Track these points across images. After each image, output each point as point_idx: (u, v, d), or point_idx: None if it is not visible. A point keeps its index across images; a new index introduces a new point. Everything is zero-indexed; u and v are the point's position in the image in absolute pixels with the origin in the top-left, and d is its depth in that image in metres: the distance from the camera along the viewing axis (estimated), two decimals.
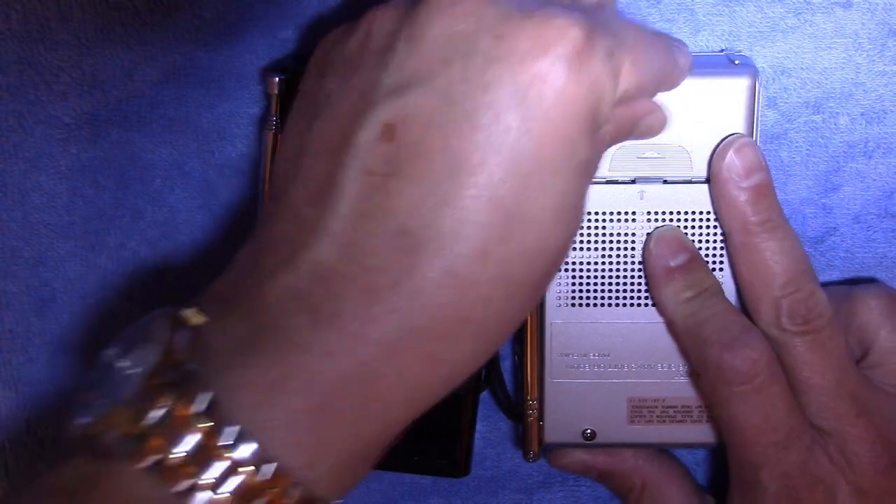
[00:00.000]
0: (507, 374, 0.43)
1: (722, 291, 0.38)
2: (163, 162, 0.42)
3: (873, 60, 0.41)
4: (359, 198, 0.29)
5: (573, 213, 0.30)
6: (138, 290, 0.43)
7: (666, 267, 0.38)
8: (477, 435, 0.44)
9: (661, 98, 0.34)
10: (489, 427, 0.45)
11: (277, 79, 0.39)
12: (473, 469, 0.44)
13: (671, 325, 0.39)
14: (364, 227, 0.29)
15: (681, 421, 0.40)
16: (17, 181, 0.42)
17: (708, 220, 0.38)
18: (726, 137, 0.37)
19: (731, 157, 0.37)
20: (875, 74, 0.41)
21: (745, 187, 0.37)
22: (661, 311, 0.39)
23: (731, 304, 0.38)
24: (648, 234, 0.38)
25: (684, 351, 0.39)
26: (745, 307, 0.38)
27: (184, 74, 0.41)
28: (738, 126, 0.37)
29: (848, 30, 0.40)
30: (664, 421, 0.40)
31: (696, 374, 0.39)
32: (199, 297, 0.31)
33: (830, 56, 0.41)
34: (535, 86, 0.29)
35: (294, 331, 0.29)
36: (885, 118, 0.41)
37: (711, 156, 0.38)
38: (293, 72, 0.39)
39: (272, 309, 0.29)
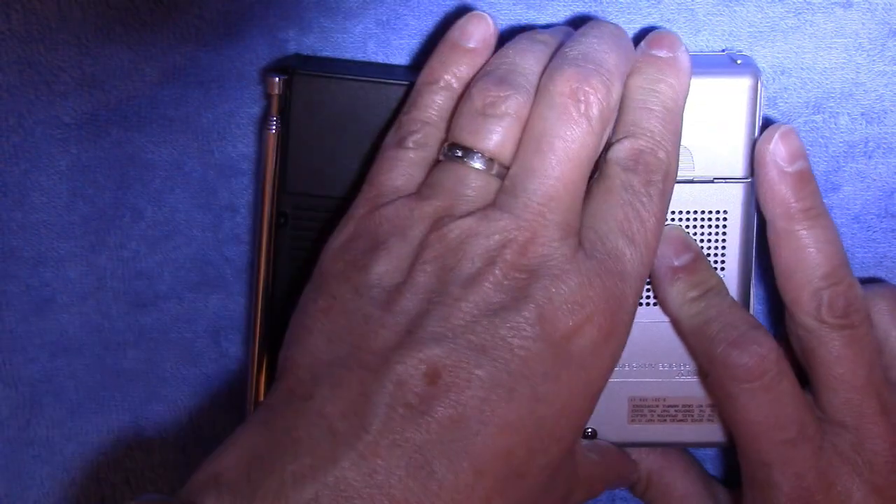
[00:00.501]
0: None
1: (727, 290, 0.38)
2: (163, 162, 0.42)
3: (873, 60, 0.41)
4: (390, 426, 0.31)
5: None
6: (138, 290, 0.43)
7: (670, 266, 0.38)
8: None
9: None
10: None
11: (277, 79, 0.39)
12: None
13: (676, 325, 0.39)
14: (391, 455, 0.30)
15: (682, 420, 0.40)
16: (17, 181, 0.42)
17: (711, 219, 0.38)
18: (766, 129, 0.37)
19: (776, 142, 0.37)
20: (875, 74, 0.41)
21: (790, 172, 0.37)
22: (666, 311, 0.39)
23: (736, 301, 0.38)
24: None
25: (691, 350, 0.39)
26: (784, 296, 0.38)
27: (184, 74, 0.41)
28: (741, 126, 0.37)
29: (848, 30, 0.40)
30: (665, 420, 0.40)
31: (704, 374, 0.39)
32: (196, 478, 0.31)
33: (830, 56, 0.41)
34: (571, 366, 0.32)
35: None
36: (885, 118, 0.41)
37: (714, 155, 0.38)
38: (293, 72, 0.39)
39: None
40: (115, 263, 0.43)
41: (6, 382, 0.44)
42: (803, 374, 0.39)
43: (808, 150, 0.41)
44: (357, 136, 0.39)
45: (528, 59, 0.35)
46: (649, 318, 0.39)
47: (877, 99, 0.41)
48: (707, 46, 0.41)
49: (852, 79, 0.41)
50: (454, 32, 0.37)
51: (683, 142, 0.37)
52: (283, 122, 0.39)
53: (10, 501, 0.45)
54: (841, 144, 0.41)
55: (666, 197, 0.35)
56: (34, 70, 0.40)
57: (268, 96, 0.39)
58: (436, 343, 0.31)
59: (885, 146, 0.41)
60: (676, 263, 0.38)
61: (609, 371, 0.34)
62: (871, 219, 0.42)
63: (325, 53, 0.41)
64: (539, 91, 0.34)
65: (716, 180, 0.38)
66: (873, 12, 0.40)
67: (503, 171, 0.34)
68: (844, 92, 0.41)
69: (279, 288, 0.40)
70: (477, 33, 0.37)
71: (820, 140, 0.41)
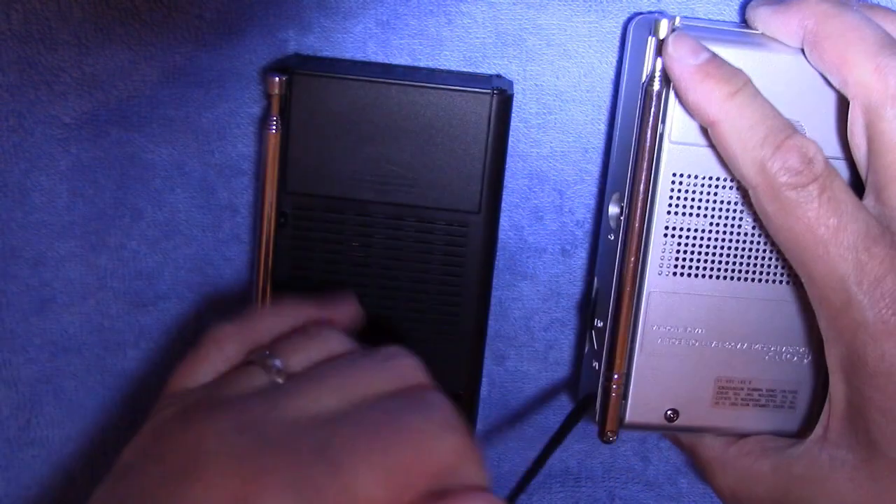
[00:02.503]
0: (570, 351, 0.43)
1: (754, 85, 0.36)
2: (163, 162, 0.42)
3: None
4: None
5: None
6: (138, 290, 0.43)
7: (694, 66, 0.36)
8: (477, 435, 0.44)
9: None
10: (489, 427, 0.45)
11: (277, 79, 0.39)
12: None
13: (716, 128, 0.35)
14: None
15: (764, 405, 0.38)
16: (17, 181, 0.42)
17: None
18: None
19: (672, 46, 0.36)
20: None
21: (700, 64, 0.36)
22: (700, 114, 0.36)
23: (766, 99, 0.36)
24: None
25: (735, 160, 0.35)
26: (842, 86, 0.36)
27: (184, 74, 0.41)
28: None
29: None
30: (748, 404, 0.38)
31: (752, 186, 0.35)
32: None
33: None
34: None
35: None
36: None
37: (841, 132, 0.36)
38: (293, 72, 0.39)
39: None
40: (115, 263, 0.43)
41: (6, 382, 0.44)
42: None
43: None
44: (357, 136, 0.39)
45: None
46: (751, 295, 0.37)
47: None
48: None
49: None
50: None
51: (798, 116, 0.36)
52: (283, 122, 0.39)
53: (10, 501, 0.45)
54: None
55: None
56: (34, 70, 0.40)
57: (268, 96, 0.39)
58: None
59: None
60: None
61: None
62: None
63: (325, 53, 0.41)
64: None
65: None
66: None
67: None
68: None
69: (279, 288, 0.40)
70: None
71: None
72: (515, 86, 0.41)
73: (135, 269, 0.43)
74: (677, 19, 0.36)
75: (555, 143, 0.42)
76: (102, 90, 0.41)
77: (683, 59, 0.35)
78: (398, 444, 0.29)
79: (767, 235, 0.37)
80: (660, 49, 0.36)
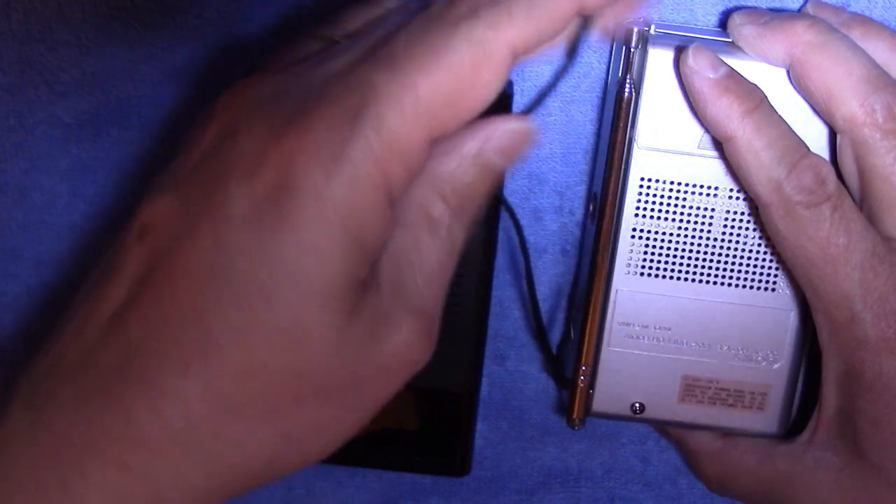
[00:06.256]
0: (554, 340, 0.44)
1: (770, 102, 0.36)
2: (163, 162, 0.42)
3: None
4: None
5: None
6: None
7: (714, 80, 0.35)
8: (477, 435, 0.44)
9: None
10: (489, 427, 0.45)
11: None
12: (473, 469, 0.44)
13: (730, 143, 0.36)
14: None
15: (732, 405, 0.39)
16: (17, 181, 0.42)
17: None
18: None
19: (692, 57, 0.35)
20: None
21: (717, 79, 0.36)
22: (718, 129, 0.36)
23: (782, 118, 0.36)
24: (728, 211, 0.38)
25: (747, 175, 0.36)
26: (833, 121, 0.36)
27: (184, 74, 0.41)
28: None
29: None
30: (714, 403, 0.39)
31: (764, 205, 0.36)
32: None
33: None
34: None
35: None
36: None
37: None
38: None
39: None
40: None
41: (6, 382, 0.43)
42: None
43: None
44: None
45: None
46: (715, 298, 0.38)
47: None
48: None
49: None
50: None
51: None
52: None
53: None
54: None
55: None
56: (34, 70, 0.40)
57: None
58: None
59: None
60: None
61: None
62: None
63: None
64: None
65: None
66: (872, 12, 0.40)
67: None
68: None
69: None
70: None
71: None
72: (515, 86, 0.41)
73: None
74: (652, 27, 0.37)
75: (554, 144, 0.42)
76: (102, 90, 0.41)
77: (703, 73, 0.35)
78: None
79: (772, 246, 0.38)
80: (629, 57, 0.36)
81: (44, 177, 0.42)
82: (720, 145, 0.36)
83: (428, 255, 0.31)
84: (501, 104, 0.39)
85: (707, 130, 0.36)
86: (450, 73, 0.29)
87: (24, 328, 0.43)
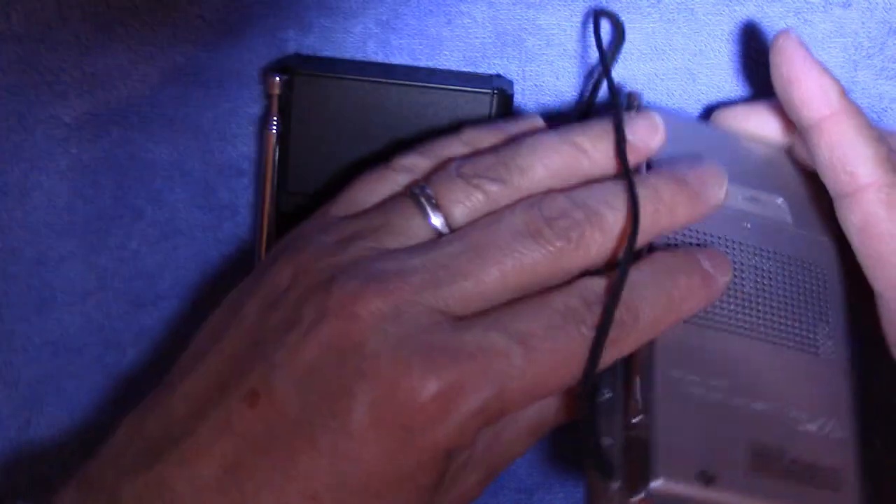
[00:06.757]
0: None
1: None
2: (163, 162, 0.42)
3: (873, 59, 0.41)
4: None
5: None
6: (138, 290, 0.43)
7: (809, 59, 0.36)
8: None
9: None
10: None
11: (277, 79, 0.39)
12: None
13: (832, 120, 0.35)
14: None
15: (807, 483, 0.32)
16: (18, 181, 0.42)
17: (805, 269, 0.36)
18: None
19: (786, 38, 0.36)
20: (875, 73, 0.41)
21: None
22: (816, 105, 0.35)
23: None
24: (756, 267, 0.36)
25: (842, 150, 0.35)
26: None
27: (184, 74, 0.41)
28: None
29: (847, 29, 0.40)
30: (790, 478, 0.32)
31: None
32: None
33: (830, 55, 0.41)
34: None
35: None
36: (884, 117, 0.41)
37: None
38: (293, 72, 0.39)
39: None
40: (116, 263, 0.43)
41: (6, 382, 0.44)
42: None
43: None
44: (357, 136, 0.39)
45: (535, 163, 0.35)
46: (772, 357, 0.34)
47: (877, 98, 0.41)
48: (707, 47, 0.41)
49: (851, 77, 0.41)
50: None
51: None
52: (284, 122, 0.39)
53: (10, 501, 0.45)
54: None
55: None
56: (34, 70, 0.40)
57: (268, 96, 0.39)
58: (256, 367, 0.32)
59: None
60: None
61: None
62: None
63: (325, 53, 0.41)
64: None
65: None
66: (872, 11, 0.40)
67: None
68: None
69: None
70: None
71: None
72: (515, 86, 0.41)
73: (135, 269, 0.43)
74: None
75: None
76: (102, 90, 0.41)
77: (797, 51, 0.36)
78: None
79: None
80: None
81: (44, 177, 0.42)
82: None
83: None
84: (503, 105, 0.39)
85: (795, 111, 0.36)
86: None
87: (23, 328, 0.43)
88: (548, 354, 0.31)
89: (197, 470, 0.31)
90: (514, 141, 0.36)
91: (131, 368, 0.44)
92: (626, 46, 0.40)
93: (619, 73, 0.41)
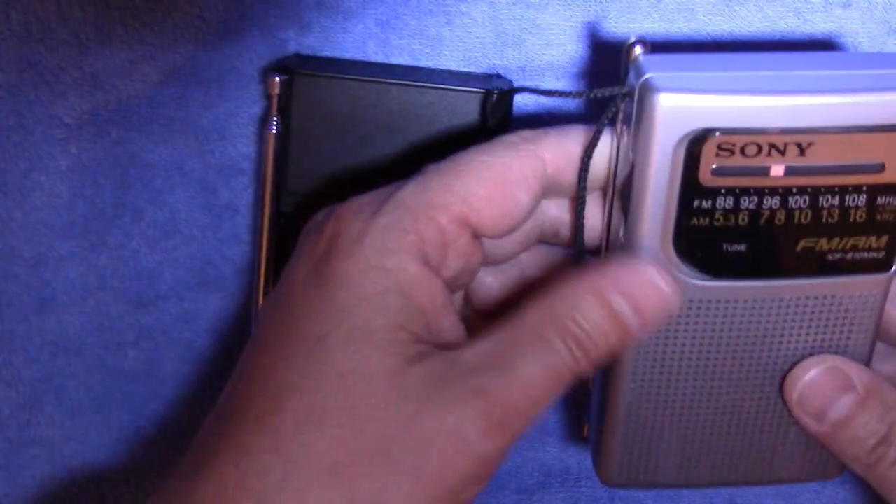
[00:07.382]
0: None
1: None
2: (163, 162, 0.42)
3: None
4: None
5: None
6: (138, 290, 0.43)
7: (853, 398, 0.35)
8: None
9: None
10: None
11: (277, 79, 0.39)
12: None
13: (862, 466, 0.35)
14: None
15: None
16: (18, 181, 0.42)
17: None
18: None
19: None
20: None
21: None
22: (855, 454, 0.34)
23: None
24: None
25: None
26: None
27: (184, 74, 0.41)
28: None
29: (847, 29, 0.40)
30: None
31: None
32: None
33: None
34: None
35: None
36: None
37: None
38: (293, 72, 0.39)
39: None
40: (116, 263, 0.43)
41: (6, 382, 0.44)
42: None
43: None
44: (357, 136, 0.39)
45: None
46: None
47: None
48: (707, 47, 0.41)
49: None
50: None
51: None
52: (283, 122, 0.39)
53: (10, 501, 0.45)
54: None
55: None
56: (34, 70, 0.40)
57: (268, 96, 0.39)
58: None
59: None
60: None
61: None
62: None
63: (325, 53, 0.41)
64: None
65: None
66: (872, 11, 0.40)
67: None
68: None
69: None
70: None
71: None
72: (515, 85, 0.41)
73: (135, 269, 0.43)
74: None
75: None
76: (102, 90, 0.41)
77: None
78: None
79: None
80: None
81: (44, 177, 0.42)
82: None
83: (530, 366, 0.30)
84: (503, 105, 0.39)
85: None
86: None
87: (23, 328, 0.43)
88: None
89: None
90: None
91: (131, 368, 0.44)
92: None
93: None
